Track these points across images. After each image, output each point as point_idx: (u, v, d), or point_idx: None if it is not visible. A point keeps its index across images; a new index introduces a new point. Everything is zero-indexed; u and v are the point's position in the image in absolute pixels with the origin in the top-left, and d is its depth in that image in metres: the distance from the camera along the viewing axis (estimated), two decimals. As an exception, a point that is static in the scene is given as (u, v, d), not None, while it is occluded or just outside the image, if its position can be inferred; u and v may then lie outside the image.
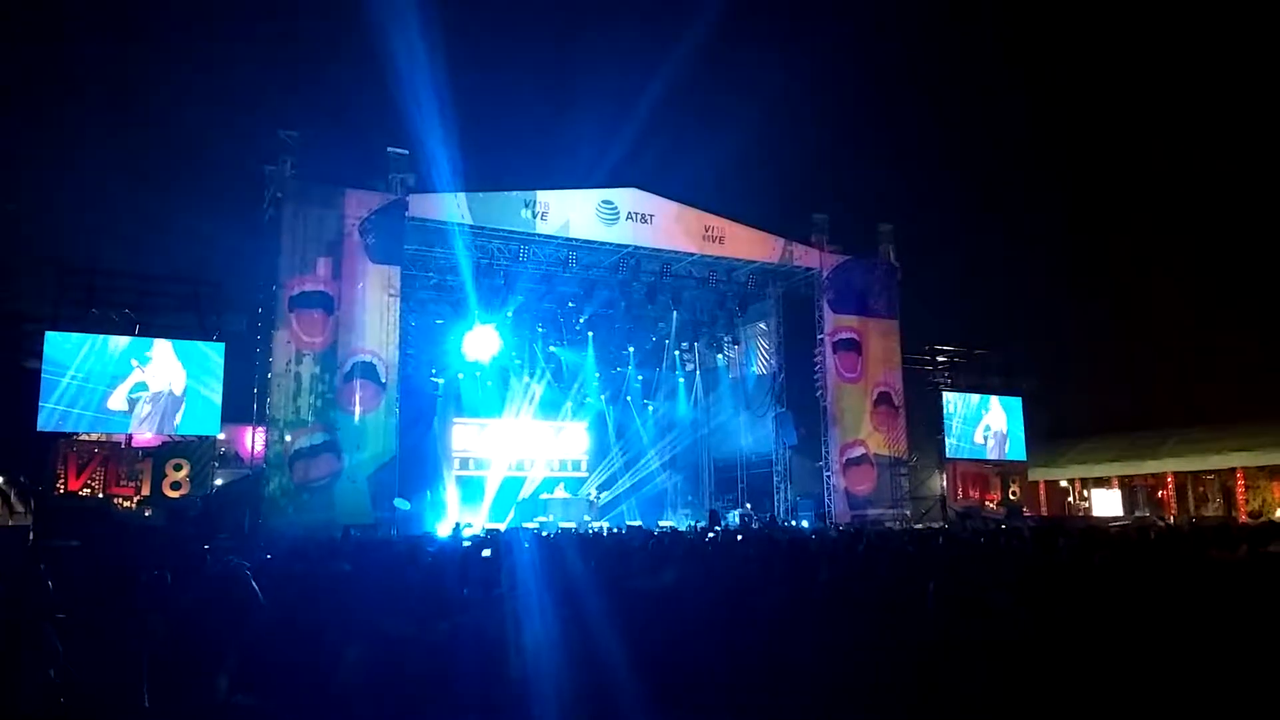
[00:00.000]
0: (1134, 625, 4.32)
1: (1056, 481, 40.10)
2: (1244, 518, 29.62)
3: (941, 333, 29.94)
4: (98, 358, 18.93)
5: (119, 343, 19.20)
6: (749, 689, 4.06)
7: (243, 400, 20.62)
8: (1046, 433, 33.05)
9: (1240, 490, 32.16)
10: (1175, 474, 35.06)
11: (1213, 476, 34.94)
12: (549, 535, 14.75)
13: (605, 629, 5.26)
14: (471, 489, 25.93)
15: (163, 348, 19.56)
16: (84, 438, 19.07)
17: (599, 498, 26.50)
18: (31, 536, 17.23)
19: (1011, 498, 28.02)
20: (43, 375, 18.30)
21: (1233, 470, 32.70)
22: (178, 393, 19.45)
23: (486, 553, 12.06)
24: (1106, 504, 33.83)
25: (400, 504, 20.07)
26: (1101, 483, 38.47)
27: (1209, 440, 33.37)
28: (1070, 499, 40.84)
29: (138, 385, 19.16)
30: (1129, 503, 35.76)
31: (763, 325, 28.08)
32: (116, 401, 18.97)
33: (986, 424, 28.39)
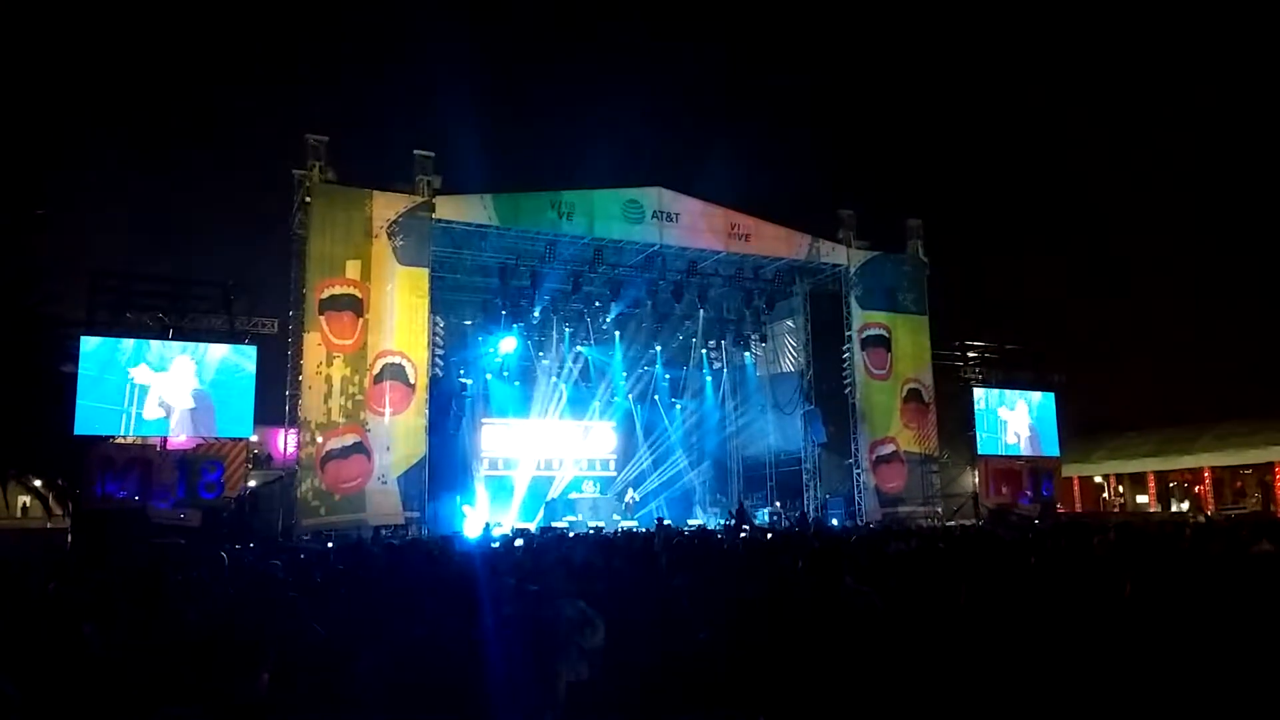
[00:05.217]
0: (1175, 622, 4.25)
1: (1091, 478, 39.66)
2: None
3: (972, 328, 29.67)
4: (131, 361, 19.12)
5: (152, 346, 19.39)
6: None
7: (275, 402, 20.83)
8: (1080, 428, 32.62)
9: (1279, 484, 31.66)
10: (1212, 469, 34.59)
11: (1250, 471, 34.43)
12: (576, 535, 14.79)
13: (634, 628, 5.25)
14: (500, 489, 26.01)
15: (195, 350, 19.75)
16: (120, 441, 19.27)
17: (634, 497, 26.47)
18: (69, 539, 17.53)
19: (1045, 494, 27.68)
20: (78, 379, 18.53)
21: (1270, 464, 32.21)
22: (210, 395, 19.63)
23: (519, 542, 12.17)
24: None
25: None
26: (1138, 479, 37.98)
27: (1245, 434, 32.88)
28: (1105, 495, 40.39)
29: (171, 388, 19.34)
30: (1164, 498, 35.31)
31: (790, 322, 27.93)
32: (150, 404, 19.16)
33: (1018, 420, 28.05)
